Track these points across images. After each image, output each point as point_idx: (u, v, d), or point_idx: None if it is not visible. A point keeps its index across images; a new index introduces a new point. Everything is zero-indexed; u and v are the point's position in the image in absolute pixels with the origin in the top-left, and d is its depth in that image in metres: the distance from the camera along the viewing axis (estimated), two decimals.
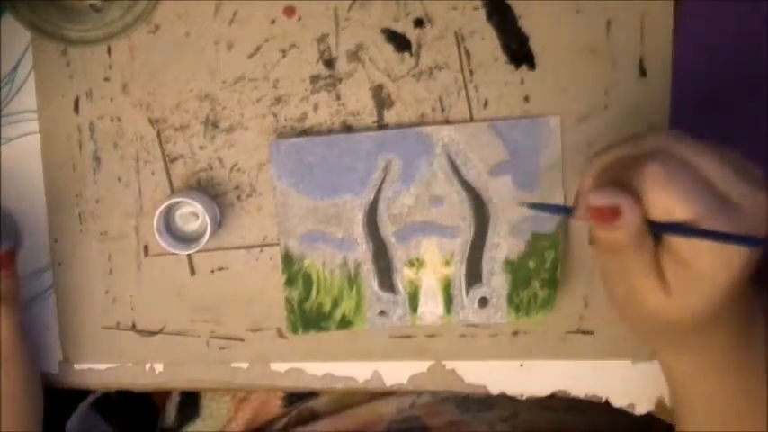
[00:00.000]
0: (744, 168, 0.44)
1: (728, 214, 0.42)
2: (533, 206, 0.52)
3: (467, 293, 0.59)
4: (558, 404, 0.63)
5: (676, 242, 0.44)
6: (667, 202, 0.43)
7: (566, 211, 0.49)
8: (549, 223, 0.58)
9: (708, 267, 0.43)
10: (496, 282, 0.59)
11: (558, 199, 0.58)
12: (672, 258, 0.44)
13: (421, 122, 0.58)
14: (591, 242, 0.48)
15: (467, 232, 0.58)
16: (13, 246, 0.56)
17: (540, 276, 0.58)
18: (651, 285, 0.45)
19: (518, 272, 0.58)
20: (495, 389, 0.61)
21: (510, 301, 0.59)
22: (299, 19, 0.58)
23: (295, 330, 0.60)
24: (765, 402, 0.49)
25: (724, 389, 0.49)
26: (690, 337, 0.47)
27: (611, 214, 0.43)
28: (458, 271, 0.59)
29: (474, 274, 0.59)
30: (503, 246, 0.58)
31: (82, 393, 0.65)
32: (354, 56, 0.59)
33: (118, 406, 0.65)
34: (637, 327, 0.49)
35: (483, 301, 0.59)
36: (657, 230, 0.44)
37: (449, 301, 0.59)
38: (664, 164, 0.43)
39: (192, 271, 0.61)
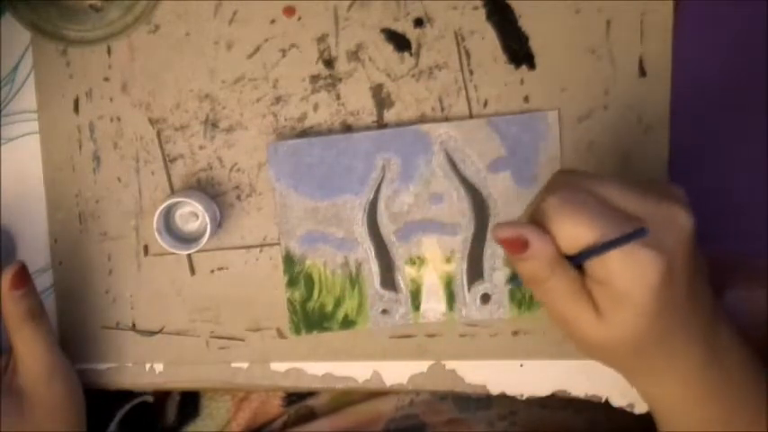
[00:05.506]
0: (650, 186, 0.45)
1: (634, 227, 0.43)
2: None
3: (469, 290, 0.59)
4: (557, 402, 0.63)
5: (593, 266, 0.44)
6: (570, 229, 0.43)
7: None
8: None
9: (623, 284, 0.43)
10: (498, 277, 0.59)
11: None
12: (594, 281, 0.45)
13: (421, 122, 0.58)
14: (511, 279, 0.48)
15: (467, 229, 0.58)
16: (21, 263, 0.54)
17: None
18: (581, 309, 0.45)
19: None
20: (495, 389, 0.61)
21: (512, 296, 0.59)
22: (299, 19, 0.59)
23: (298, 331, 0.60)
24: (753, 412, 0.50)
25: (705, 410, 0.49)
26: (654, 361, 0.48)
27: (521, 245, 0.44)
28: (459, 268, 0.59)
29: (475, 271, 0.59)
30: None
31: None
32: (354, 56, 0.59)
33: (119, 407, 0.64)
34: (600, 359, 0.49)
35: (485, 298, 0.59)
36: (574, 261, 0.44)
37: (451, 298, 0.59)
38: (561, 194, 0.44)
39: (192, 271, 0.61)
